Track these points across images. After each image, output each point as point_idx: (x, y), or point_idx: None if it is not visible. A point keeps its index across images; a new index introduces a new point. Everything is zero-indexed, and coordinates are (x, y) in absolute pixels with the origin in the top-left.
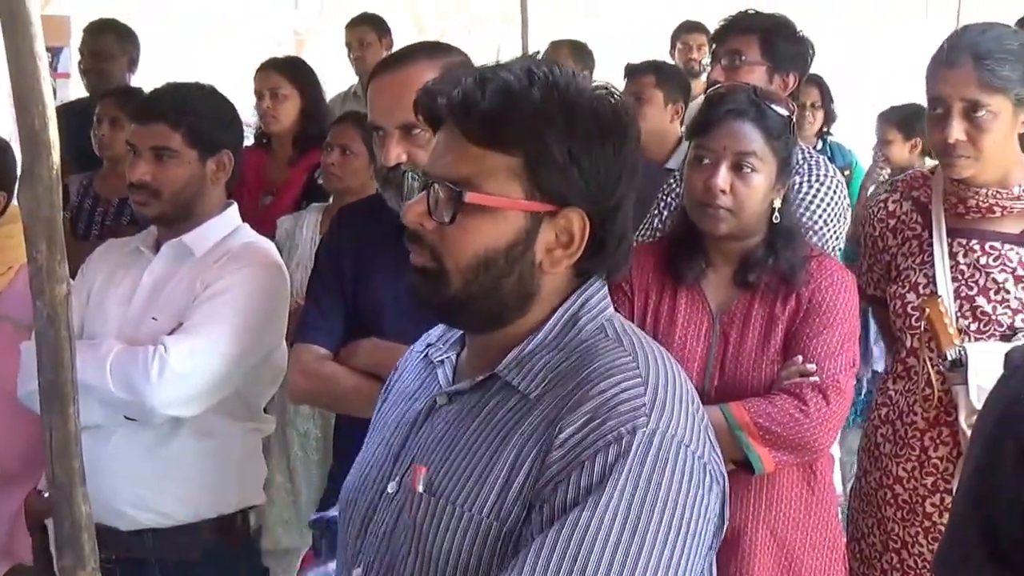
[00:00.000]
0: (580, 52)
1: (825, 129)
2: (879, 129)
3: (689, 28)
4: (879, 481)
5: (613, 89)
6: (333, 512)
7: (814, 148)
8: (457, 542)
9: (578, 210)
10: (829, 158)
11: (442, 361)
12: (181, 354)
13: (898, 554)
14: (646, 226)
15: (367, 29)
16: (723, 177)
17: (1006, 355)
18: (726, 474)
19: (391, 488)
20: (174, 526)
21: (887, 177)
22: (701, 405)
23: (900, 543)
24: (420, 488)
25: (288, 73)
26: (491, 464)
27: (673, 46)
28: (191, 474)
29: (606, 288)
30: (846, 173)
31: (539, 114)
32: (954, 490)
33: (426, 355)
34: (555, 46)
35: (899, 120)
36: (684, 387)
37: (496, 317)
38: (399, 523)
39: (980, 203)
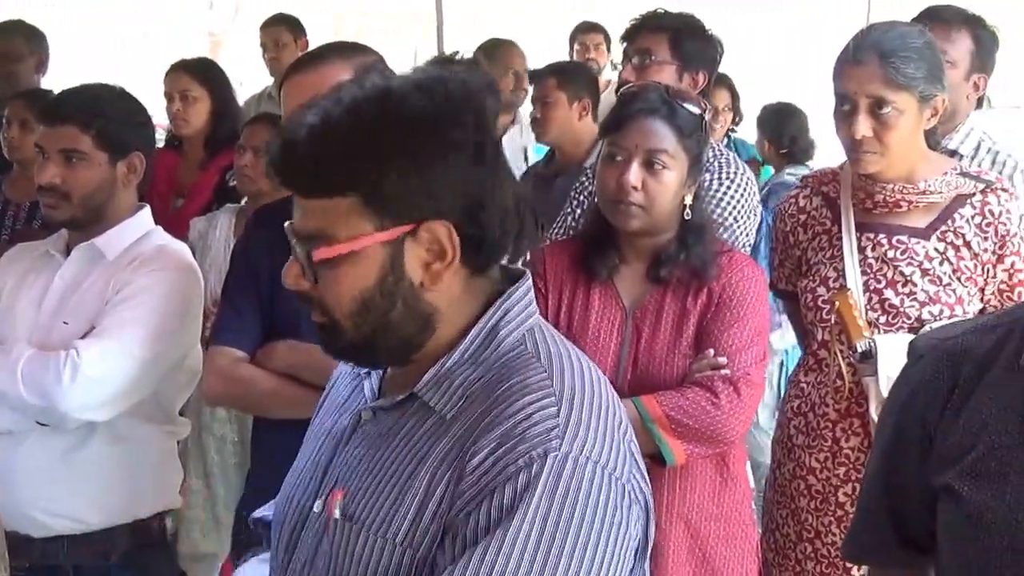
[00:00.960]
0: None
1: (731, 127)
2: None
3: (586, 29)
4: (793, 472)
5: (450, 74)
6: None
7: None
8: (371, 570)
9: (436, 221)
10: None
11: (369, 373)
12: (93, 358)
13: (812, 543)
14: (560, 224)
15: (282, 30)
16: (635, 174)
17: (910, 343)
18: (649, 492)
19: (316, 507)
20: (89, 532)
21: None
22: (624, 418)
23: (814, 532)
24: (337, 514)
25: (198, 75)
26: (406, 489)
27: (571, 47)
28: (105, 479)
29: (531, 293)
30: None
31: (355, 147)
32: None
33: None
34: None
35: (759, 118)
36: (605, 402)
37: (404, 347)
38: (319, 549)
39: (887, 198)
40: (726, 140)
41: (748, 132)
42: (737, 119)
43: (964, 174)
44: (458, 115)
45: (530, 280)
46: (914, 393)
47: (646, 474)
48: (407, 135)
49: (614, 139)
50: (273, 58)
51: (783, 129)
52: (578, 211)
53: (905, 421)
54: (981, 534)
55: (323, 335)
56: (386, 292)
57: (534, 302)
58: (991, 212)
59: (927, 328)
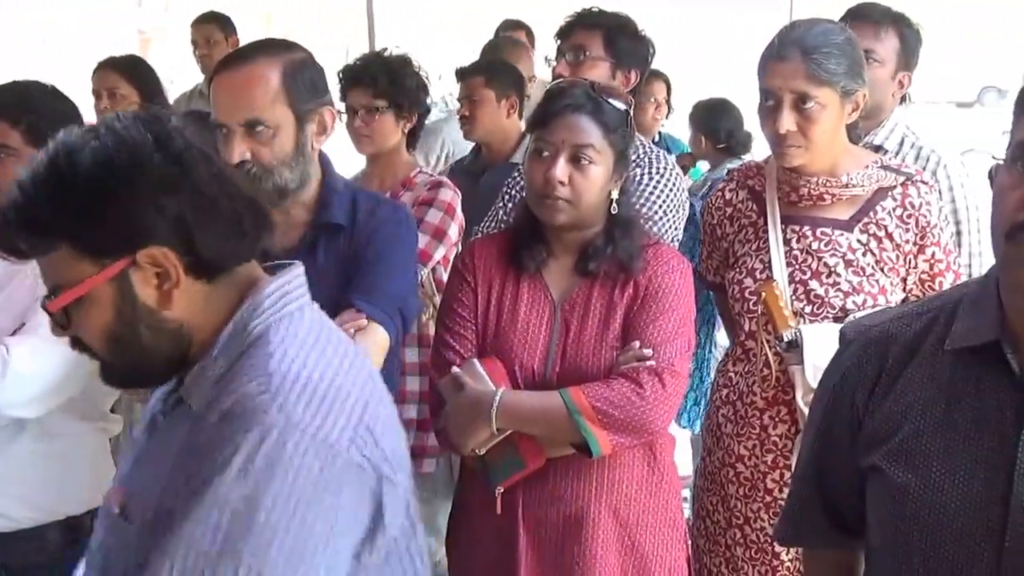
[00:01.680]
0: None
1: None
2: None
3: (510, 26)
4: (722, 460)
5: (128, 118)
6: None
7: (652, 141)
8: (131, 562)
9: (152, 248)
10: (665, 149)
11: None
12: (23, 355)
13: (741, 529)
14: (491, 218)
15: (213, 27)
16: (562, 169)
17: (840, 330)
18: (395, 469)
19: (105, 502)
20: (19, 530)
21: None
22: (367, 398)
23: (743, 519)
24: (116, 510)
25: (126, 72)
26: (158, 481)
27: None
28: (36, 476)
29: (295, 283)
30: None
31: (48, 206)
32: (793, 464)
33: None
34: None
35: (692, 115)
36: (342, 382)
37: (169, 363)
38: (104, 540)
39: (811, 191)
40: (657, 136)
41: (676, 128)
42: (668, 113)
43: (885, 167)
44: (136, 155)
45: (296, 270)
46: (844, 378)
47: (398, 447)
48: (87, 185)
49: (541, 135)
50: (204, 55)
51: (719, 124)
52: (509, 205)
53: (836, 405)
54: (906, 513)
55: (101, 372)
56: (127, 322)
57: (299, 290)
58: (911, 204)
59: (851, 318)
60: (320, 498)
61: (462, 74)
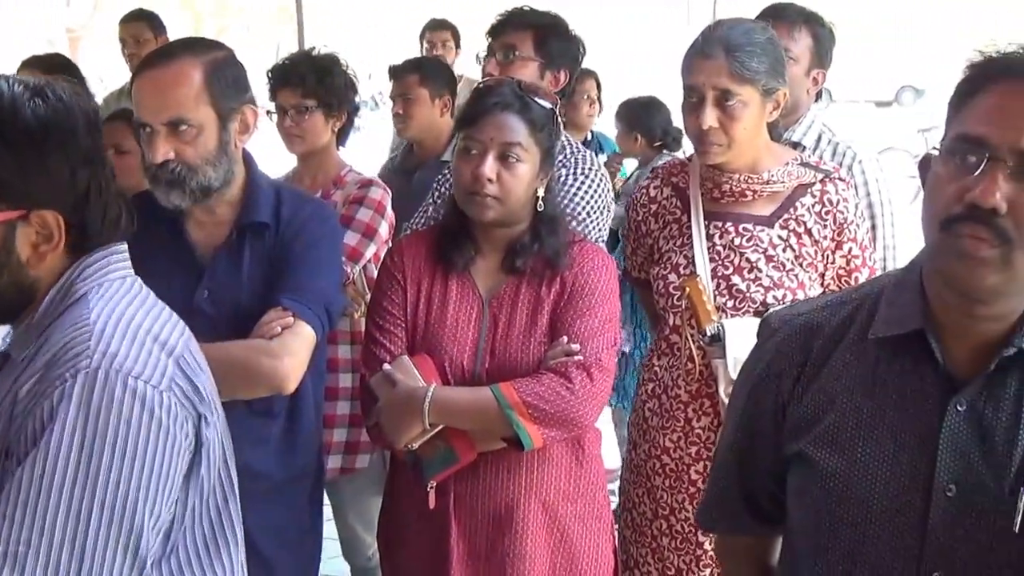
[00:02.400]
0: None
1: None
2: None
3: (435, 26)
4: (648, 452)
5: (66, 83)
6: None
7: (584, 140)
8: None
9: (47, 211)
10: (598, 148)
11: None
12: None
13: (667, 520)
14: (420, 215)
15: (142, 26)
16: (490, 166)
17: (763, 320)
18: (202, 398)
19: None
20: None
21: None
22: (182, 344)
23: (668, 510)
24: None
25: (48, 71)
26: None
27: (420, 43)
28: None
29: (118, 256)
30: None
31: None
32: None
33: None
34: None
35: (623, 114)
36: (154, 330)
37: (5, 310)
38: None
39: (733, 188)
40: (590, 135)
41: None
42: (600, 111)
43: (804, 164)
44: (74, 122)
45: (121, 247)
46: (768, 366)
47: (205, 385)
48: (20, 137)
49: (469, 133)
50: (132, 54)
51: (654, 121)
52: (439, 203)
53: (759, 393)
54: (831, 498)
55: None
56: None
57: (124, 263)
58: (830, 201)
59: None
60: (148, 425)
61: (395, 72)
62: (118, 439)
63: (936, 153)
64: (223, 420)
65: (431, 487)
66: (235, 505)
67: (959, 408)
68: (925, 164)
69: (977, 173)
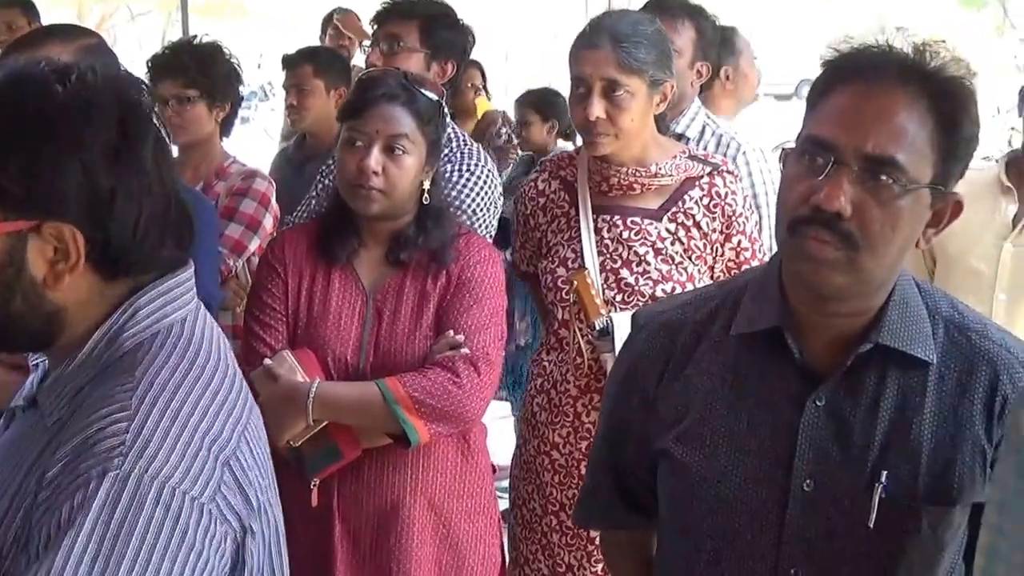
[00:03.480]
0: None
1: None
2: (518, 112)
3: (339, 14)
4: (537, 448)
5: (104, 67)
6: None
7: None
8: None
9: (61, 222)
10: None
11: (37, 365)
12: None
13: (556, 516)
14: (303, 208)
15: (16, 13)
16: (375, 159)
17: (632, 316)
18: (254, 510)
19: None
20: None
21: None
22: (230, 434)
23: (558, 506)
24: None
25: None
26: (5, 494)
27: (323, 31)
28: None
29: (174, 290)
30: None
31: None
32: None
33: None
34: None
35: (537, 103)
36: (203, 415)
37: (32, 341)
38: None
39: (621, 181)
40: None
41: None
42: (488, 99)
43: (693, 157)
44: (94, 112)
45: (185, 273)
46: (634, 363)
47: (259, 489)
48: (31, 128)
49: (354, 124)
50: (4, 42)
51: (561, 112)
52: (323, 195)
53: (627, 390)
54: (695, 493)
55: None
56: (5, 282)
57: (184, 298)
58: (718, 194)
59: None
60: (177, 544)
61: (289, 62)
62: (138, 560)
63: (792, 147)
64: (277, 508)
65: (314, 485)
66: None
67: (817, 403)
68: (783, 157)
69: (823, 176)
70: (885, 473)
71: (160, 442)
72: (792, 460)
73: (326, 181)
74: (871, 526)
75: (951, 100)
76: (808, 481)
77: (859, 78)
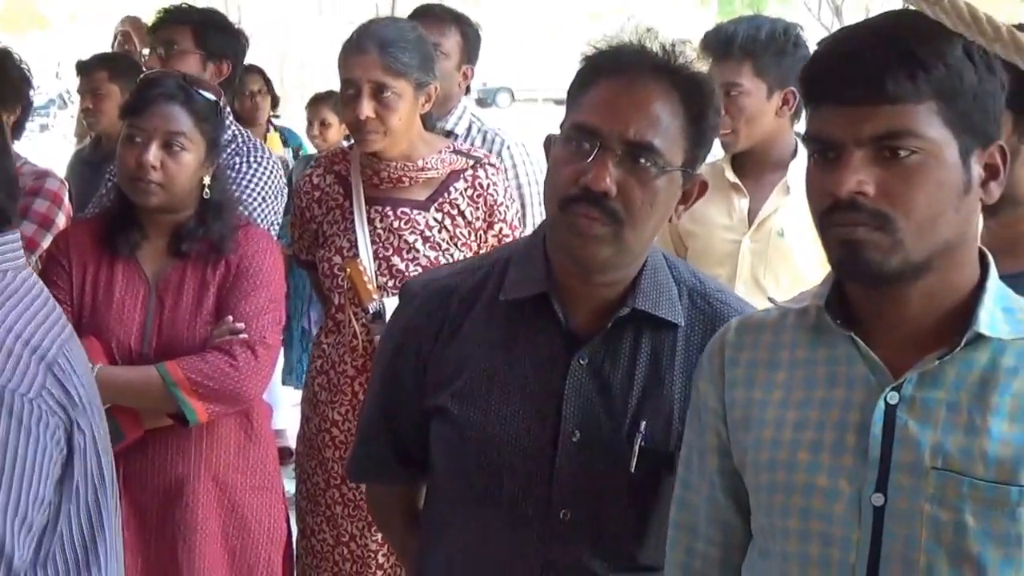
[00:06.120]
0: None
1: (272, 114)
2: (311, 113)
3: (128, 21)
4: (318, 426)
5: None
6: None
7: (264, 133)
8: None
9: None
10: (283, 140)
11: None
12: None
13: (339, 489)
14: (95, 204)
15: None
16: (154, 154)
17: (403, 286)
18: (74, 400)
19: None
20: None
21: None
22: (49, 342)
23: (340, 479)
24: None
25: None
26: None
27: (114, 37)
28: None
29: (4, 246)
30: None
31: None
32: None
33: None
34: None
35: (334, 104)
36: (28, 332)
37: None
38: None
39: (391, 174)
40: (271, 128)
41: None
42: (275, 104)
43: (457, 152)
44: None
45: (11, 236)
46: (408, 328)
47: (80, 391)
48: None
49: (134, 122)
50: None
51: None
52: (112, 191)
53: (401, 352)
54: (469, 447)
55: None
56: None
57: (12, 254)
58: (480, 185)
59: None
60: (19, 442)
61: (84, 68)
62: None
63: (558, 134)
64: (103, 423)
65: None
66: (107, 508)
67: (581, 362)
68: (548, 143)
69: (590, 160)
70: (644, 423)
71: None
72: (561, 414)
73: (115, 179)
74: (632, 471)
75: (698, 94)
76: (575, 432)
77: (618, 72)
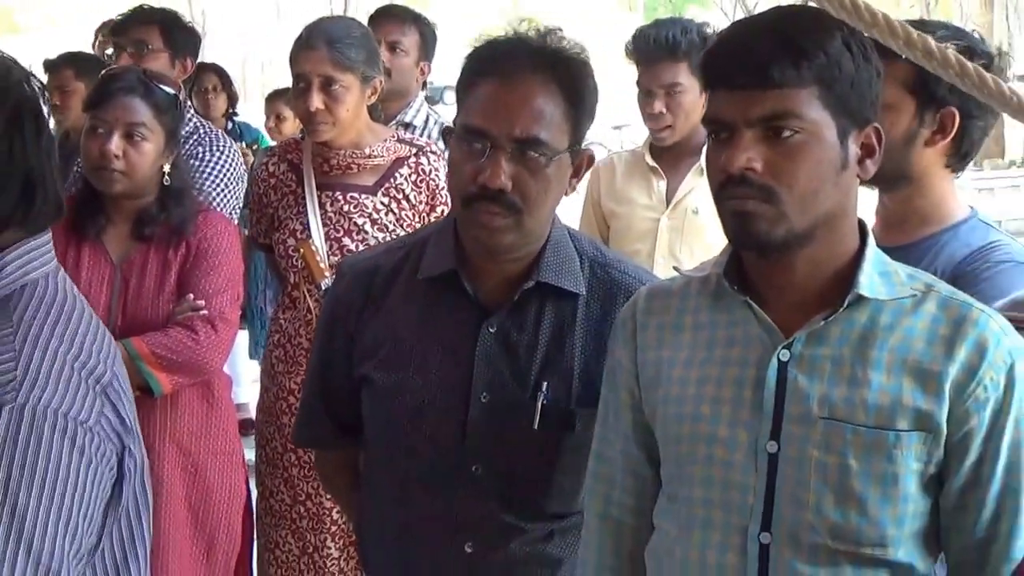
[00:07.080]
0: None
1: (231, 110)
2: (268, 108)
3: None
4: (276, 395)
5: None
6: None
7: (224, 128)
8: None
9: None
10: (238, 135)
11: None
12: None
13: (295, 453)
14: (64, 193)
15: None
16: (116, 144)
17: (337, 265)
18: (127, 430)
19: None
20: None
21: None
22: (104, 366)
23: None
24: None
25: None
26: None
27: (95, 39)
28: None
29: (37, 249)
30: (254, 147)
31: None
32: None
33: None
34: None
35: (290, 99)
36: (78, 351)
37: None
38: None
39: (340, 162)
40: (230, 124)
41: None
42: (233, 102)
43: (401, 140)
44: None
45: (44, 236)
46: (337, 304)
47: (129, 414)
48: None
49: (97, 113)
50: None
51: None
52: (79, 181)
53: (333, 328)
54: (394, 410)
55: None
56: None
57: (45, 256)
58: (423, 171)
59: None
60: (76, 464)
61: (51, 67)
62: (47, 479)
63: (454, 128)
64: (140, 438)
65: None
66: (147, 518)
67: (490, 330)
68: (447, 134)
69: (484, 159)
70: (545, 384)
71: (47, 376)
72: (472, 377)
73: (81, 169)
74: (535, 428)
75: (574, 79)
76: (484, 393)
77: (497, 71)
